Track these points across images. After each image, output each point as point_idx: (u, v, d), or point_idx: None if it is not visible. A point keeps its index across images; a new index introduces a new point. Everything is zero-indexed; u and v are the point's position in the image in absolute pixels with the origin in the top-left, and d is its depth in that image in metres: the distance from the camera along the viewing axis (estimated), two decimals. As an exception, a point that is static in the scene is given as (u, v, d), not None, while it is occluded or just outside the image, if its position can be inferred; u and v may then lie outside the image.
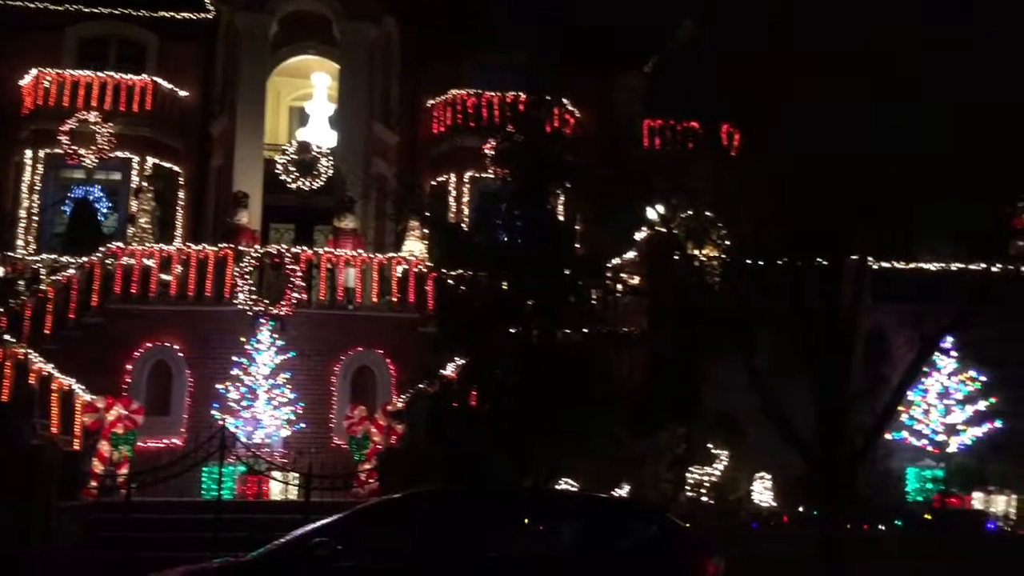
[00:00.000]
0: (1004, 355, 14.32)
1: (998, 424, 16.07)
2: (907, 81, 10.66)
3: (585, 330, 12.19)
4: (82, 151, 20.78)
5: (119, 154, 21.22)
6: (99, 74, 21.58)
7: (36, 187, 21.34)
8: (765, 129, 11.38)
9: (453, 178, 22.15)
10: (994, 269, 15.61)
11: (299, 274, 17.24)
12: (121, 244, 18.03)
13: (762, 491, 15.10)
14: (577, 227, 14.30)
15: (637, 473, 14.26)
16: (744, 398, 11.61)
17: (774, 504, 14.92)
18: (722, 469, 14.95)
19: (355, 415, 15.65)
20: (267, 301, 16.83)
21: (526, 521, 7.95)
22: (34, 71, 21.43)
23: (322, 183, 20.80)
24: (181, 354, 16.78)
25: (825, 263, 11.42)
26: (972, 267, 16.54)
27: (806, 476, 11.75)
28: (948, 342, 15.00)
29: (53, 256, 18.66)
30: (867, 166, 10.88)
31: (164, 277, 17.46)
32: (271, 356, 16.04)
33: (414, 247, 19.07)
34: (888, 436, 14.15)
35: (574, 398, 11.10)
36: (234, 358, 16.03)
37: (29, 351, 15.66)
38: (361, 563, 7.31)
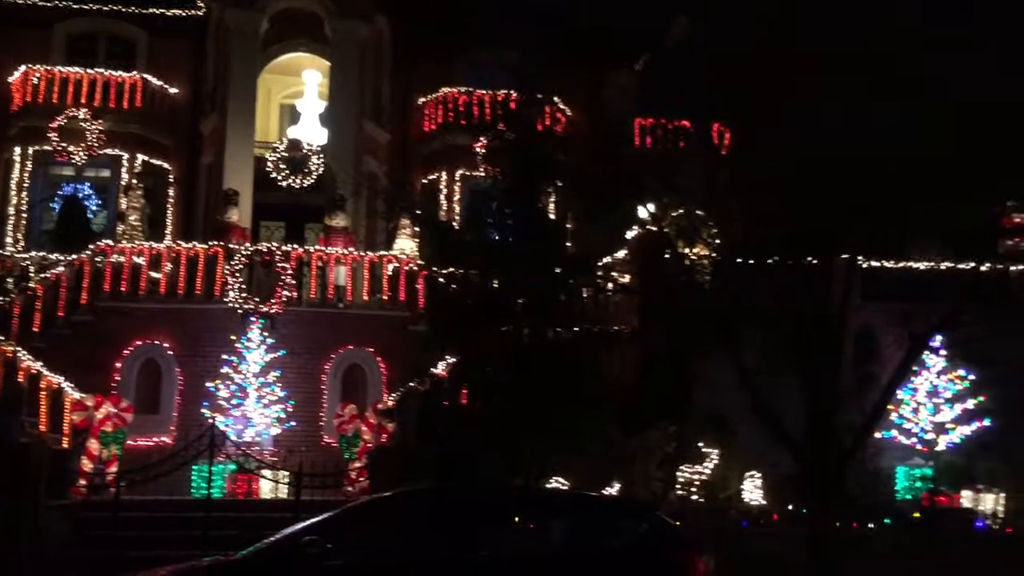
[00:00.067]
0: (992, 354, 14.36)
1: (987, 422, 16.16)
2: (907, 81, 10.68)
3: (576, 329, 12.18)
4: (71, 148, 20.68)
5: (108, 151, 21.12)
6: (88, 71, 21.47)
7: (25, 184, 21.22)
8: (760, 128, 11.39)
9: (444, 176, 22.14)
10: (983, 268, 15.70)
11: (289, 272, 17.21)
12: (111, 242, 17.96)
13: (752, 489, 15.15)
14: (568, 225, 14.30)
15: (627, 471, 14.28)
16: (734, 397, 11.63)
17: (764, 502, 14.96)
18: (712, 467, 14.98)
19: (345, 413, 15.63)
20: (257, 299, 16.80)
21: (517, 520, 7.96)
22: (23, 67, 21.29)
23: (313, 181, 20.74)
24: (171, 352, 16.74)
25: (815, 262, 11.45)
26: (961, 266, 16.64)
27: (796, 474, 11.78)
28: (937, 341, 15.05)
29: (42, 253, 18.59)
30: (861, 166, 10.91)
31: (154, 275, 17.41)
32: (261, 354, 16.01)
33: (405, 245, 19.05)
34: (877, 435, 14.18)
35: (565, 397, 11.10)
36: (224, 356, 16.00)
37: (18, 349, 15.60)
38: (351, 562, 7.30)
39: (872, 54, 10.76)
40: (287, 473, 14.14)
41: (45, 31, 22.43)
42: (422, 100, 22.85)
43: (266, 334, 16.26)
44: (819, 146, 10.96)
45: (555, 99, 16.22)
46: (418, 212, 16.31)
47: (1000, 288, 17.28)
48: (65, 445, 14.72)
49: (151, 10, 22.78)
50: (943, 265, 17.68)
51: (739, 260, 12.18)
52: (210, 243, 17.85)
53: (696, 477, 14.87)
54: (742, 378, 11.11)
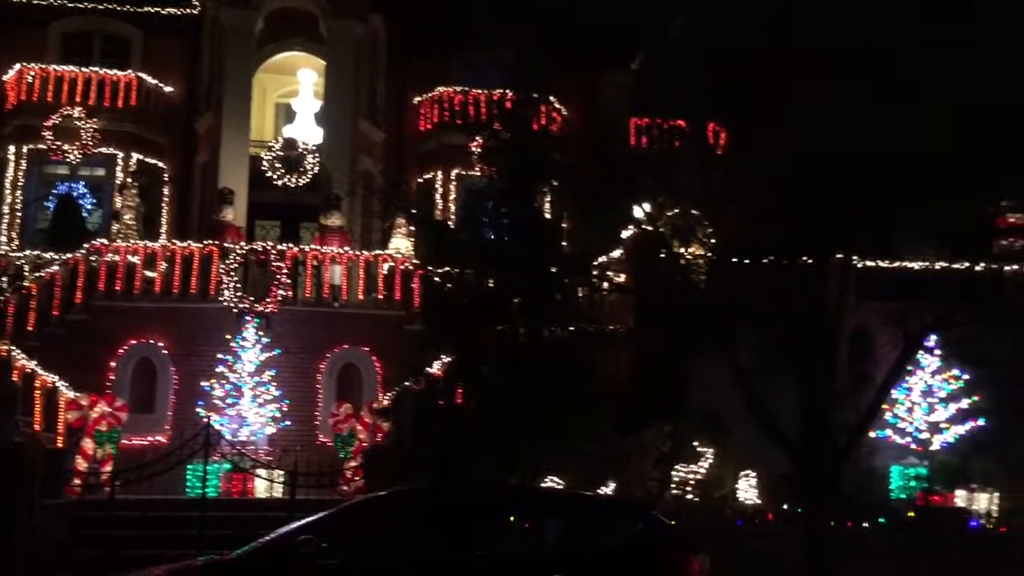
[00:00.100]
0: (987, 353, 14.40)
1: (981, 422, 16.18)
2: (907, 81, 10.69)
3: (571, 328, 12.18)
4: (66, 147, 20.63)
5: (103, 150, 21.08)
6: (83, 69, 21.42)
7: (19, 183, 21.18)
8: (758, 128, 11.39)
9: (440, 175, 22.14)
10: (978, 268, 15.73)
11: (285, 271, 17.19)
12: (105, 241, 17.93)
13: (747, 489, 15.17)
14: (564, 225, 14.29)
15: (623, 471, 14.29)
16: (730, 396, 11.63)
17: (759, 502, 14.98)
18: (707, 467, 15.00)
19: (341, 413, 15.62)
20: (252, 298, 16.78)
21: (512, 519, 7.96)
22: (17, 66, 21.25)
23: (308, 180, 20.73)
24: (166, 351, 16.72)
25: (810, 262, 11.47)
26: (956, 266, 16.67)
27: (791, 474, 11.79)
28: (932, 340, 15.07)
29: (37, 252, 18.56)
30: (860, 166, 10.91)
31: (149, 274, 17.38)
32: (256, 353, 15.99)
33: (400, 244, 19.04)
34: (872, 434, 14.21)
35: (560, 396, 11.10)
36: (219, 355, 15.98)
37: (12, 348, 15.57)
38: (346, 561, 7.29)
39: (872, 54, 10.76)
40: (282, 472, 14.12)
41: (40, 29, 22.39)
42: (418, 99, 22.84)
43: (261, 333, 16.24)
44: (818, 146, 10.97)
45: (551, 98, 16.25)
46: (414, 211, 16.32)
47: (995, 288, 17.31)
48: (60, 444, 14.70)
49: (146, 9, 22.76)
50: (938, 265, 17.71)
51: (734, 260, 12.19)
52: (205, 242, 17.83)
53: (691, 476, 14.88)
54: (737, 378, 11.11)
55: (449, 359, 13.51)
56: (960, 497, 15.99)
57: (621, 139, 17.30)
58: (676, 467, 14.84)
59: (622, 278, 15.70)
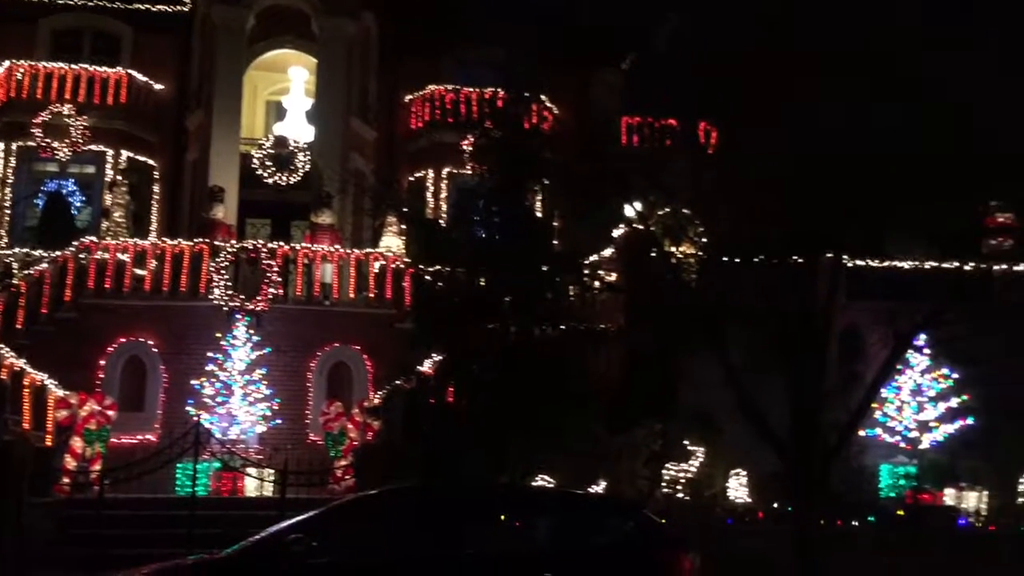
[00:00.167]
0: (976, 352, 14.46)
1: (970, 421, 16.26)
2: (907, 81, 10.70)
3: (562, 327, 12.17)
4: (55, 144, 20.56)
5: (93, 147, 21.01)
6: (73, 66, 21.35)
7: (8, 180, 21.10)
8: (753, 127, 11.40)
9: (431, 174, 22.12)
10: (967, 268, 15.79)
11: (275, 269, 17.16)
12: (95, 238, 17.86)
13: (737, 487, 15.21)
14: (555, 223, 14.29)
15: (614, 469, 14.30)
16: (720, 395, 11.67)
17: (749, 500, 15.02)
18: (698, 465, 15.03)
19: (331, 411, 15.60)
20: (243, 296, 16.74)
21: (502, 518, 7.95)
22: (7, 63, 21.16)
23: (299, 178, 20.69)
24: (156, 349, 16.66)
25: (801, 261, 11.49)
26: (945, 266, 16.73)
27: (781, 472, 11.83)
28: (921, 339, 15.13)
29: (25, 250, 18.50)
30: (850, 166, 10.94)
31: (138, 272, 17.32)
32: (247, 352, 15.96)
33: (391, 243, 19.02)
34: (862, 433, 14.26)
35: (551, 395, 11.09)
36: (209, 354, 15.94)
37: (1, 346, 15.50)
38: (336, 560, 7.27)
39: (872, 54, 10.77)
40: (272, 471, 14.09)
41: (30, 26, 22.28)
42: (409, 97, 22.82)
43: (252, 331, 16.21)
44: (809, 146, 10.98)
45: (542, 97, 16.22)
46: (405, 209, 16.25)
47: (983, 287, 17.39)
48: (48, 443, 14.64)
49: (136, 5, 22.69)
50: (928, 264, 17.78)
51: (725, 259, 12.21)
52: (195, 240, 17.78)
53: (682, 475, 14.91)
54: (728, 376, 11.14)
55: (440, 357, 13.49)
56: (949, 495, 16.07)
57: (612, 138, 17.26)
58: (667, 465, 14.86)
59: (613, 277, 15.69)
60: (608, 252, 16.90)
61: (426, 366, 14.59)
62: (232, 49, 21.33)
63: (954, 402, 16.35)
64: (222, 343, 15.95)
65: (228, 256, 17.12)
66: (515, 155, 12.15)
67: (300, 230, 21.01)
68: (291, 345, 16.93)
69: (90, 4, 22.54)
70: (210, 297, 16.79)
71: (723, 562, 9.44)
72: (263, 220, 22.11)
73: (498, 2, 20.53)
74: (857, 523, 14.36)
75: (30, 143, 20.73)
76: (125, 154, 21.54)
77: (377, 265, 17.95)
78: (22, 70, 21.08)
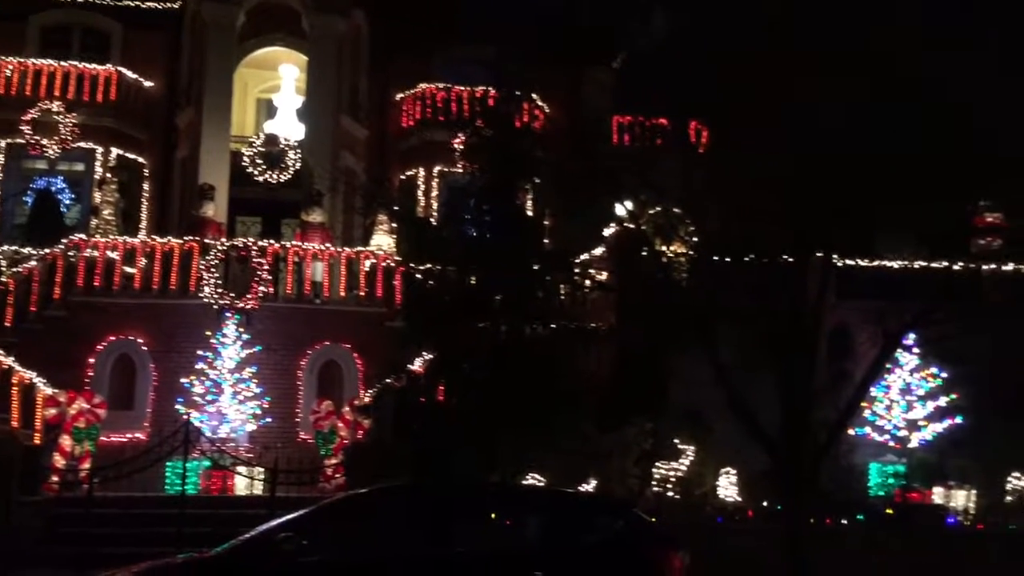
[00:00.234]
0: (965, 352, 14.53)
1: (958, 420, 16.33)
2: (907, 81, 10.71)
3: (553, 325, 12.19)
4: (44, 141, 20.46)
5: (82, 144, 20.91)
6: (62, 63, 21.24)
7: (-3, 177, 21.00)
8: (742, 127, 11.41)
9: (422, 172, 22.10)
10: (956, 267, 15.85)
11: (266, 268, 17.12)
12: (84, 236, 17.80)
13: (727, 486, 15.24)
14: (545, 222, 14.29)
15: (604, 468, 14.32)
16: (710, 393, 11.69)
17: (739, 499, 15.06)
18: (688, 464, 15.06)
19: (322, 410, 15.58)
20: (233, 295, 16.70)
21: (493, 516, 7.95)
22: (-5, 60, 21.08)
23: (289, 176, 20.63)
24: (145, 348, 16.61)
25: (791, 260, 11.52)
26: (934, 265, 16.80)
27: (771, 471, 11.86)
28: (910, 339, 15.20)
29: (14, 248, 18.39)
30: (845, 166, 10.95)
31: (128, 270, 17.26)
32: (237, 350, 15.92)
33: (382, 241, 18.99)
34: (851, 431, 14.31)
35: (542, 393, 11.10)
36: (199, 352, 15.90)
37: (-11, 344, 15.45)
38: (327, 558, 7.27)
39: (872, 54, 10.78)
40: (262, 470, 14.07)
41: (19, 23, 22.15)
42: (400, 96, 22.79)
43: (242, 330, 16.17)
44: (807, 146, 10.99)
45: (533, 96, 16.22)
46: (395, 208, 16.26)
47: (973, 287, 17.46)
48: (37, 441, 14.59)
49: (126, 2, 22.61)
50: (917, 264, 17.85)
51: (716, 258, 12.23)
52: (185, 238, 17.73)
53: (672, 473, 14.94)
54: (718, 375, 11.16)
55: (431, 356, 13.49)
56: (938, 494, 16.15)
57: (603, 137, 17.28)
58: (657, 464, 14.89)
59: (604, 275, 15.71)
60: (599, 251, 16.92)
61: (417, 364, 14.59)
62: (222, 46, 21.26)
63: (943, 401, 16.43)
64: (212, 341, 15.92)
65: (218, 254, 17.08)
66: (506, 154, 12.15)
67: (291, 228, 20.97)
68: (281, 343, 16.89)
69: (79, 1, 22.43)
70: (200, 295, 16.74)
71: (713, 560, 9.47)
72: (253, 218, 22.06)
73: (489, 1, 20.52)
74: (846, 521, 14.41)
75: (19, 140, 20.61)
76: (115, 151, 21.46)
77: (368, 263, 17.93)
78: (11, 67, 20.96)
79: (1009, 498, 16.39)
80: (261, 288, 16.88)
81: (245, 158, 20.61)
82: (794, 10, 10.83)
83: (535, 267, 12.13)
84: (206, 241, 17.41)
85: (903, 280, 17.63)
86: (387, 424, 13.97)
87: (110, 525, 12.70)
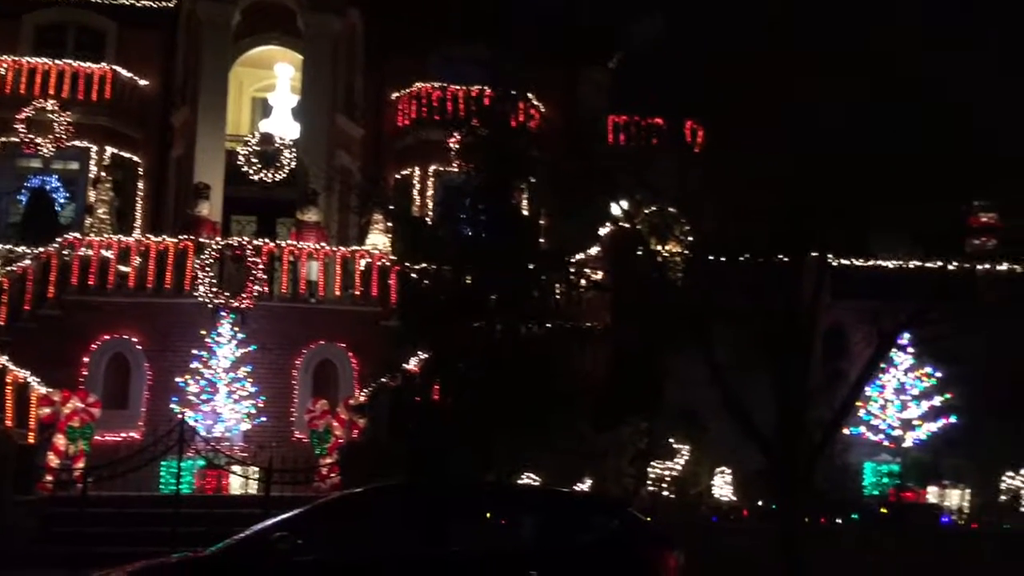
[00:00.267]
0: (959, 351, 14.56)
1: (953, 419, 16.36)
2: (907, 81, 10.72)
3: (548, 325, 12.19)
4: (39, 140, 20.41)
5: (77, 143, 20.86)
6: (57, 62, 21.19)
7: (-9, 176, 20.95)
8: (738, 126, 11.41)
9: (417, 171, 22.08)
10: (950, 267, 15.89)
11: (261, 267, 17.09)
12: (78, 235, 17.76)
13: (722, 485, 15.26)
14: (541, 222, 14.31)
15: (599, 467, 14.32)
16: (706, 393, 11.70)
17: (734, 498, 15.07)
18: (683, 463, 15.07)
19: (317, 409, 15.56)
20: (228, 294, 16.67)
21: (488, 516, 7.95)
22: (-11, 58, 21.03)
23: (285, 175, 20.62)
24: (140, 347, 16.58)
25: (786, 260, 11.54)
26: (929, 265, 16.84)
27: (765, 470, 11.87)
28: (905, 338, 15.23)
29: (8, 246, 18.34)
30: (841, 166, 10.96)
31: (123, 269, 17.22)
32: (232, 349, 15.90)
33: (378, 240, 18.96)
34: (846, 431, 14.34)
35: (537, 393, 11.10)
36: (194, 351, 15.87)
37: (-17, 343, 15.41)
38: (322, 558, 7.26)
39: (872, 54, 10.79)
40: (257, 469, 14.05)
41: (13, 22, 22.10)
42: (395, 95, 22.76)
43: (236, 329, 16.15)
44: (805, 146, 11.00)
45: (529, 95, 16.23)
46: (391, 207, 16.23)
47: (967, 287, 17.51)
48: (31, 440, 14.57)
49: (121, 1, 22.53)
50: (912, 264, 17.89)
51: (711, 257, 12.25)
52: (180, 237, 17.69)
53: (667, 473, 14.95)
54: (713, 374, 11.17)
55: (426, 355, 13.48)
56: (932, 493, 16.18)
57: (599, 136, 17.27)
58: (652, 463, 14.90)
59: (599, 275, 15.72)
60: (594, 250, 16.92)
61: (412, 364, 14.56)
62: (218, 45, 21.23)
63: (937, 400, 16.46)
64: (207, 340, 15.89)
65: (213, 253, 17.05)
66: (502, 153, 12.15)
67: (286, 227, 20.92)
68: (276, 343, 16.87)
69: (74, -1, 22.41)
70: (195, 294, 16.71)
71: (708, 560, 9.48)
72: (248, 217, 22.02)
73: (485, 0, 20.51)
74: (841, 521, 14.43)
75: (13, 139, 20.55)
76: (109, 150, 21.41)
77: (363, 263, 17.90)
78: (5, 66, 20.90)
79: (1003, 497, 16.43)
80: (256, 287, 16.86)
81: (240, 157, 20.58)
82: (794, 10, 10.83)
83: (531, 267, 12.13)
84: (201, 240, 17.38)
85: (898, 280, 17.67)
86: (382, 423, 13.95)
87: (104, 524, 12.67)
